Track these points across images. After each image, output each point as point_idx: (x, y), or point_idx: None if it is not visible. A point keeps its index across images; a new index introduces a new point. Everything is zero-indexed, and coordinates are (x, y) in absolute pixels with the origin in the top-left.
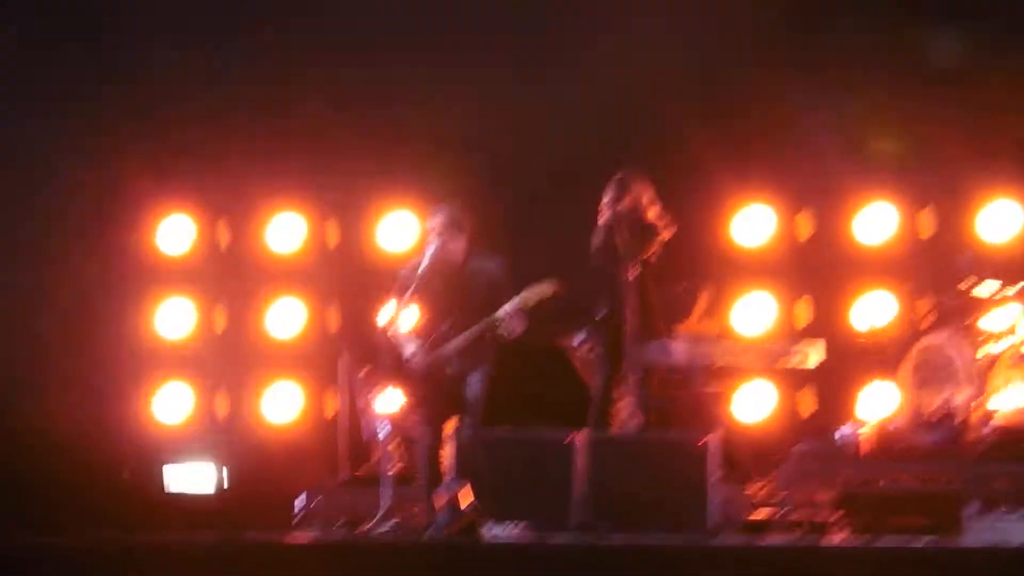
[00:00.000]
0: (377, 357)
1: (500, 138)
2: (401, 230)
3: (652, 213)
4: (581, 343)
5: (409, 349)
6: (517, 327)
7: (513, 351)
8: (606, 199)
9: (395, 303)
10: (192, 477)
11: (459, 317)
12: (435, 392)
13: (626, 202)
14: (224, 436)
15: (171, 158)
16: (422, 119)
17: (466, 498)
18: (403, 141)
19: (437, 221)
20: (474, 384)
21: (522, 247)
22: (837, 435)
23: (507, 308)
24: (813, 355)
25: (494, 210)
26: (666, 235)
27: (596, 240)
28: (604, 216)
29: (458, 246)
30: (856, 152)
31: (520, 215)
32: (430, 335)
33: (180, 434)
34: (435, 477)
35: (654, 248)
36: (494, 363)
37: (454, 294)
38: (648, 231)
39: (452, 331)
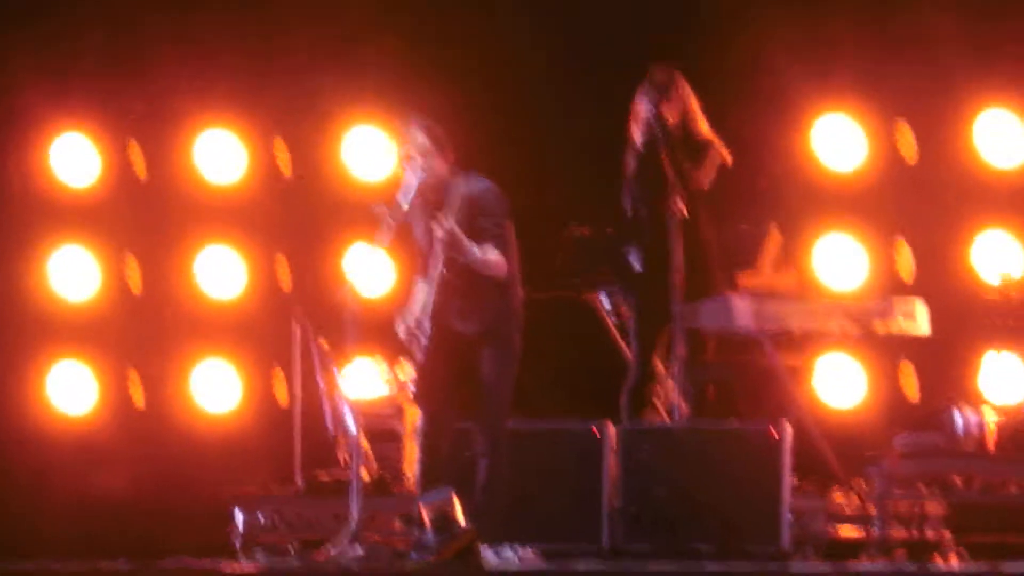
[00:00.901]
0: (344, 322)
1: (492, 30)
2: (369, 151)
3: (703, 126)
4: (613, 301)
5: (405, 314)
6: (459, 249)
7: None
8: (640, 106)
9: (368, 248)
10: None
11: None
12: (439, 370)
13: (669, 110)
14: (141, 430)
15: (69, 62)
16: (390, 14)
17: (462, 513)
18: (368, 36)
19: (417, 137)
20: (489, 357)
21: (526, 175)
22: (952, 424)
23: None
24: (922, 316)
25: (489, 124)
26: (721, 157)
27: (629, 162)
28: (639, 129)
29: (443, 171)
30: (976, 44)
31: (523, 131)
32: (419, 289)
33: (83, 427)
34: (433, 485)
35: (708, 173)
36: (514, 324)
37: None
38: (700, 150)
39: (446, 279)
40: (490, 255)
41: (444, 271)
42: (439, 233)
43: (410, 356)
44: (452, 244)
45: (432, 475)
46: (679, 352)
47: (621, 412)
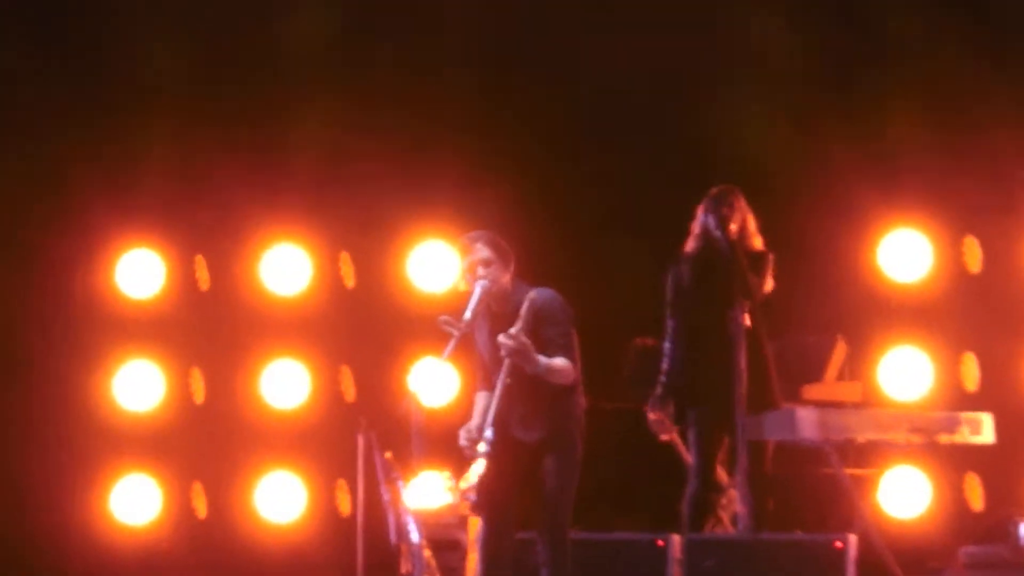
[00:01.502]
0: (408, 433)
1: (554, 143)
2: (434, 265)
3: (758, 242)
4: (660, 407)
5: (463, 432)
6: (526, 360)
7: (589, 416)
8: (704, 217)
9: (433, 360)
10: None
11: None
12: (501, 481)
13: (735, 222)
14: (204, 540)
15: (136, 176)
16: (455, 132)
17: None
18: (433, 158)
19: (481, 249)
20: (550, 467)
21: (592, 285)
22: (1017, 536)
23: (504, 334)
24: (987, 427)
25: (554, 236)
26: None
27: (685, 272)
28: (697, 243)
29: (505, 282)
30: None
31: (589, 242)
32: (480, 400)
33: (146, 537)
34: None
35: (768, 285)
36: (576, 433)
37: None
38: (761, 262)
39: (509, 388)
40: (557, 363)
41: (507, 380)
42: (510, 344)
43: (471, 466)
44: (522, 355)
45: None
46: (742, 464)
47: (681, 522)
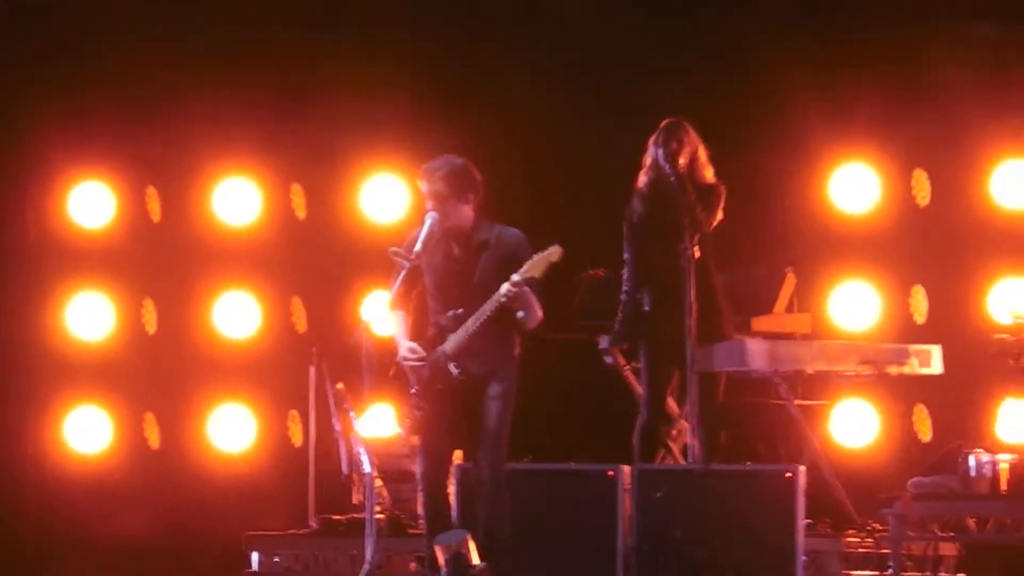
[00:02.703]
0: (359, 364)
1: (506, 77)
2: (387, 196)
3: (708, 173)
4: (618, 344)
5: (404, 351)
6: (526, 305)
7: (539, 348)
8: (650, 151)
9: (384, 292)
10: None
11: (468, 305)
12: (440, 409)
13: (683, 156)
14: (156, 470)
15: (88, 110)
16: (408, 63)
17: (476, 554)
18: (386, 83)
19: (436, 181)
20: (493, 398)
21: (540, 217)
22: (966, 467)
23: (510, 282)
24: (936, 359)
25: (504, 169)
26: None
27: (636, 207)
28: (648, 175)
29: (463, 215)
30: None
31: (539, 175)
32: (432, 331)
33: (98, 467)
34: (439, 525)
35: (716, 217)
36: (516, 367)
37: (460, 275)
38: (711, 195)
39: (458, 323)
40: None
41: (460, 312)
42: (515, 291)
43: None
44: (523, 302)
45: (437, 513)
46: (692, 394)
47: (632, 453)
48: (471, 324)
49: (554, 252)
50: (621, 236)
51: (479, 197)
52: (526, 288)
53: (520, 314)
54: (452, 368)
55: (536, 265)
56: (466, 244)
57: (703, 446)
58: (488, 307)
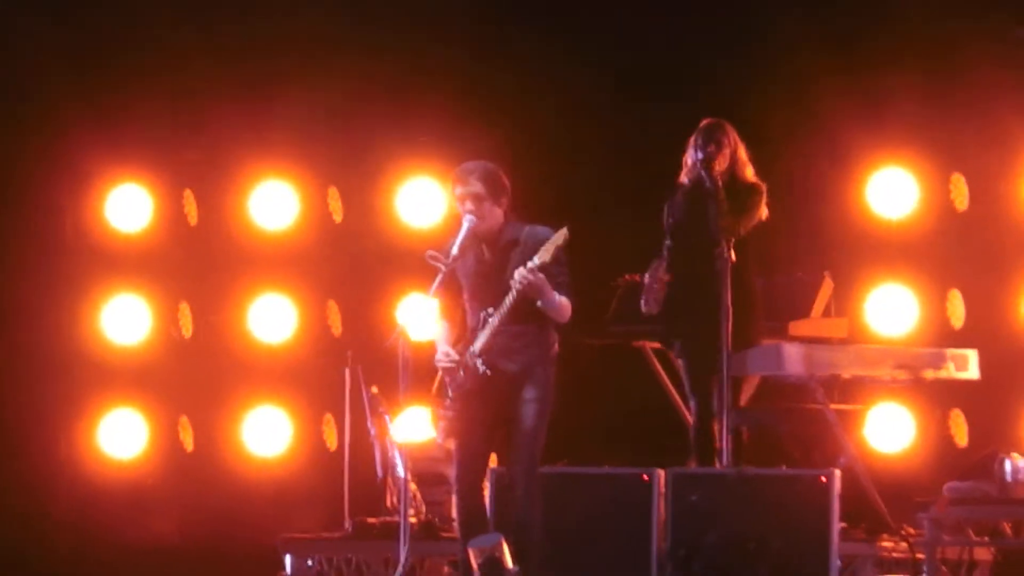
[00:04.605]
0: (395, 368)
1: (545, 79)
2: (423, 199)
3: (750, 172)
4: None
5: (440, 354)
6: (541, 293)
7: (575, 353)
8: (693, 152)
9: (420, 296)
10: None
11: (499, 305)
12: (476, 412)
13: (721, 158)
14: (191, 474)
15: (125, 112)
16: (445, 67)
17: (510, 558)
18: (424, 91)
19: (473, 183)
20: (529, 401)
21: (575, 223)
22: (1002, 471)
23: (523, 267)
24: (973, 363)
25: (543, 172)
26: (763, 208)
27: (674, 208)
28: (688, 177)
29: (496, 218)
30: None
31: (577, 179)
32: (468, 334)
33: (133, 471)
34: (473, 528)
35: (752, 221)
36: (552, 366)
37: (491, 276)
38: (751, 194)
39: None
40: (564, 301)
41: (491, 312)
42: (529, 278)
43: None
44: (538, 290)
45: (470, 516)
46: (726, 400)
47: (692, 454)
48: (495, 320)
49: (560, 235)
50: (657, 242)
51: (510, 201)
52: (541, 276)
53: (539, 303)
54: (479, 365)
55: (545, 250)
56: (496, 245)
57: (738, 451)
58: (508, 300)
